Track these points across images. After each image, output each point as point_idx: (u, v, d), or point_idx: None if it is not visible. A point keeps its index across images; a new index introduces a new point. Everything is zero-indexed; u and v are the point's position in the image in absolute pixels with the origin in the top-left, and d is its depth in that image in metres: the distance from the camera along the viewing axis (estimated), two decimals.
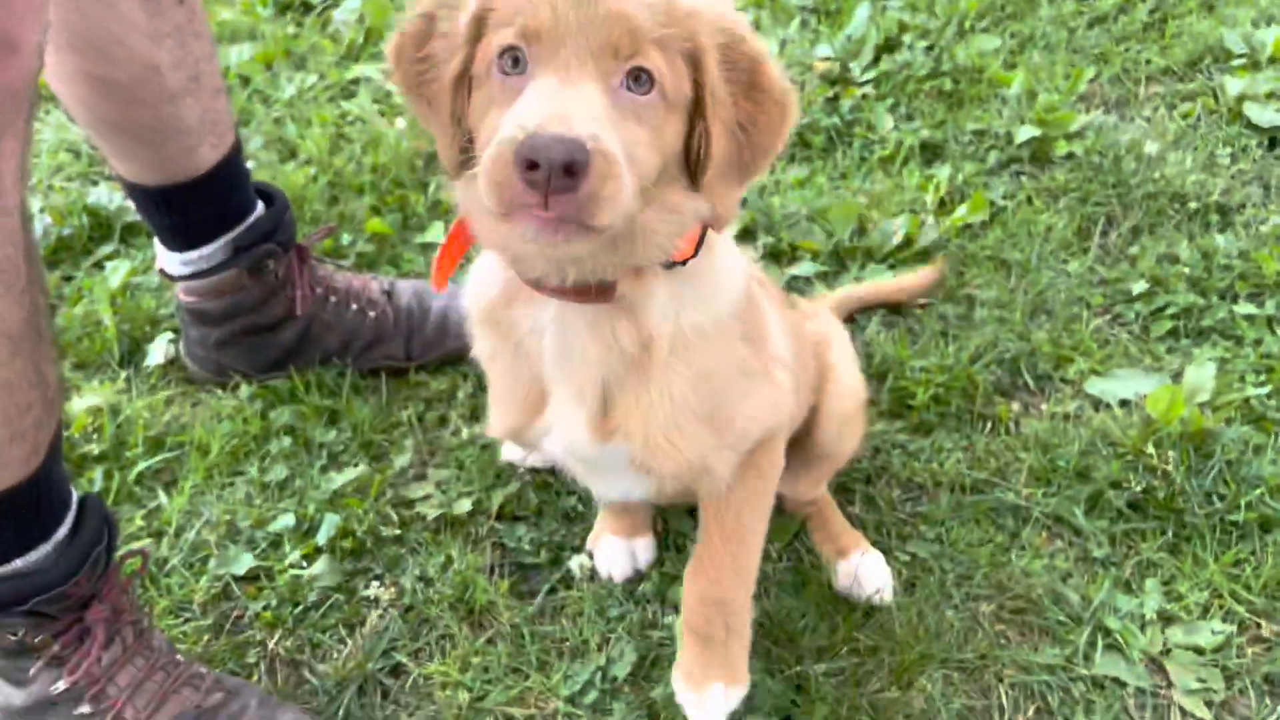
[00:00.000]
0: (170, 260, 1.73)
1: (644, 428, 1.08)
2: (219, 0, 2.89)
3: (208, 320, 1.77)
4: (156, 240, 1.74)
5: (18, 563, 1.19)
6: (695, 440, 1.10)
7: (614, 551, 1.51)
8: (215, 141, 1.63)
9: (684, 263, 1.04)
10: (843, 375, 1.47)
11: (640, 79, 0.90)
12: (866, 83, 2.43)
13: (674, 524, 1.58)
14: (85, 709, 1.26)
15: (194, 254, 1.71)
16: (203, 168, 1.62)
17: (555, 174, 0.82)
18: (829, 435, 1.44)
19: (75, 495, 1.27)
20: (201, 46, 1.56)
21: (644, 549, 1.52)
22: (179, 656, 1.35)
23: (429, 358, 1.84)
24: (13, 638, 1.21)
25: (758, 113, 0.96)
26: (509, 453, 1.66)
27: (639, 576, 1.52)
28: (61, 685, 1.24)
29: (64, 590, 1.20)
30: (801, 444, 1.44)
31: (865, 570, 1.46)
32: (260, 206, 1.75)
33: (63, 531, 1.23)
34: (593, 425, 1.10)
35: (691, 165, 0.97)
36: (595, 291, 1.01)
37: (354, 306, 1.83)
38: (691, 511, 1.55)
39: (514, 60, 0.91)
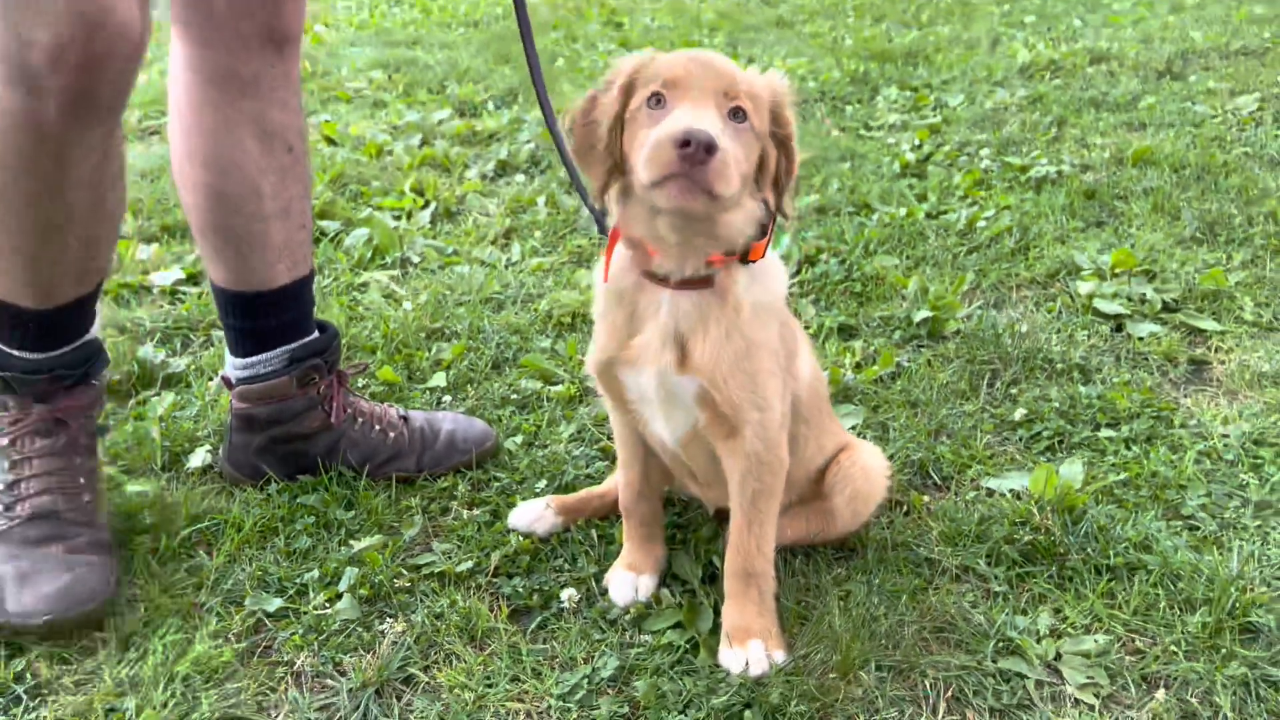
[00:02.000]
0: (233, 366, 2.09)
1: (713, 367, 1.56)
2: None
3: (253, 426, 2.08)
4: (227, 351, 2.10)
5: (15, 352, 1.82)
6: (738, 385, 1.57)
7: (623, 581, 1.81)
8: (291, 265, 2.03)
9: (755, 262, 1.57)
10: (866, 455, 1.91)
11: (738, 114, 1.44)
12: (792, 286, 2.96)
13: (675, 568, 1.87)
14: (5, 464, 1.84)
15: (254, 359, 2.06)
16: (276, 283, 2.02)
17: (699, 150, 1.33)
18: (840, 500, 1.85)
19: (93, 336, 1.91)
20: (297, 188, 2.02)
21: (645, 584, 1.81)
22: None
23: (437, 470, 2.16)
24: None
25: (790, 142, 1.54)
26: (515, 521, 1.96)
27: (625, 611, 1.78)
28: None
29: (25, 379, 1.82)
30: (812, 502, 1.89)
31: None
32: (316, 333, 2.13)
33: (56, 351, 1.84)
34: (676, 363, 1.57)
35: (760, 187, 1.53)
36: (699, 282, 1.54)
37: (376, 428, 2.15)
38: (695, 550, 1.85)
39: (657, 100, 1.44)
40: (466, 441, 2.18)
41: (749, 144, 1.46)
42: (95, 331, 1.95)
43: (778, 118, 1.51)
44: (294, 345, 2.07)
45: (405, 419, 2.20)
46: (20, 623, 1.67)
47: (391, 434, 2.16)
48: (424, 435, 2.17)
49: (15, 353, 1.83)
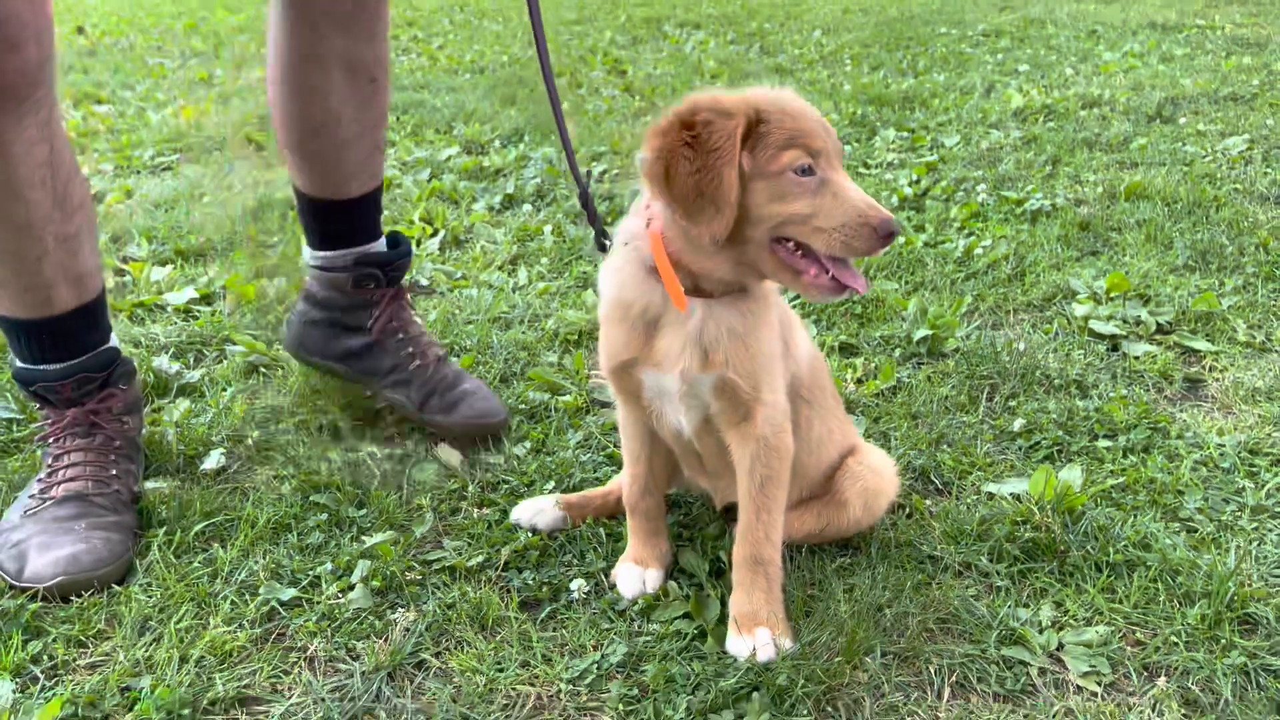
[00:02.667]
0: (308, 254, 2.36)
1: (735, 362, 1.64)
2: (253, 254, 3.47)
3: (309, 299, 2.37)
4: (304, 242, 2.39)
5: (42, 365, 1.98)
6: (754, 372, 1.66)
7: (630, 575, 1.84)
8: (361, 183, 2.26)
9: None
10: (875, 455, 1.98)
11: (807, 170, 1.55)
12: (792, 307, 3.02)
13: (682, 563, 1.90)
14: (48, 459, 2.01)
15: (321, 254, 2.34)
16: (348, 195, 2.25)
17: (892, 238, 1.53)
18: (852, 493, 1.91)
19: (109, 345, 2.06)
20: (374, 115, 2.21)
21: (652, 578, 1.84)
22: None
23: (432, 420, 2.29)
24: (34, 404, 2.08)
25: None
26: (517, 515, 1.99)
27: (634, 603, 1.80)
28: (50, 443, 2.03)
29: (53, 386, 1.98)
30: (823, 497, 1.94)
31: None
32: (384, 244, 2.36)
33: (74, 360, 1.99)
34: (700, 364, 1.63)
35: None
36: (737, 287, 1.63)
37: (409, 350, 2.35)
38: (704, 548, 1.88)
39: (805, 170, 1.53)
40: (472, 409, 2.29)
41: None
42: (114, 344, 2.09)
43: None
44: (359, 250, 2.31)
45: (440, 360, 2.37)
46: (33, 585, 1.77)
47: (416, 362, 2.33)
48: (442, 381, 2.32)
49: (38, 367, 1.98)
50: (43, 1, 1.69)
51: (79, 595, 1.78)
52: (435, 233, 3.71)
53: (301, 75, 2.12)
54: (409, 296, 2.42)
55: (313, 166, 2.23)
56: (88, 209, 1.94)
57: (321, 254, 2.34)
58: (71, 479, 1.95)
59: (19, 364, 2.01)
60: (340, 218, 2.29)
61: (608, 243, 1.78)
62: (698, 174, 1.50)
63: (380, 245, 2.36)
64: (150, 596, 1.79)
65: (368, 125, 2.21)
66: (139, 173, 4.64)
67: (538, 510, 2.01)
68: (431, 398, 2.29)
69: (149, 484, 2.08)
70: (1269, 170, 4.15)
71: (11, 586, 1.79)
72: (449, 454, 2.24)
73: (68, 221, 1.87)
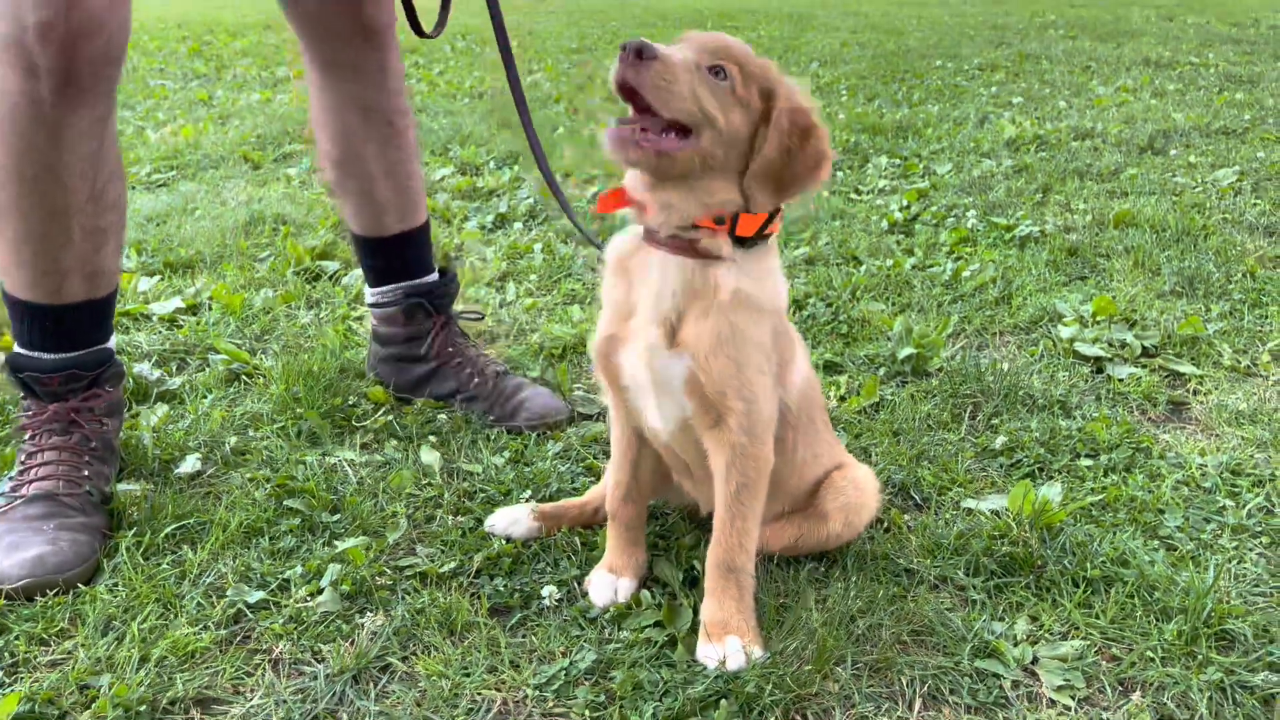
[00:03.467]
0: (368, 292, 2.56)
1: (697, 345, 1.60)
2: (242, 266, 3.48)
3: (379, 339, 2.56)
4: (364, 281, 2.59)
5: (38, 353, 1.99)
6: (724, 371, 1.61)
7: (602, 583, 1.82)
8: (399, 217, 2.45)
9: (746, 243, 1.61)
10: (859, 471, 1.95)
11: (719, 72, 1.52)
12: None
13: (656, 572, 1.88)
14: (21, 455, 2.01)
15: (378, 290, 2.53)
16: (389, 231, 2.45)
17: (630, 53, 1.44)
18: (832, 507, 1.88)
19: (105, 345, 2.07)
20: (397, 154, 2.39)
21: (625, 586, 1.82)
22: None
23: (505, 426, 2.43)
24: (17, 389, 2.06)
25: (803, 147, 1.57)
26: (492, 523, 1.97)
27: (605, 610, 1.78)
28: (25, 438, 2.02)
29: (40, 378, 1.99)
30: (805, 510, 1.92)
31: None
32: (436, 275, 2.54)
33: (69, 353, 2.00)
34: (666, 339, 1.61)
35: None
36: (687, 246, 1.58)
37: (469, 370, 2.51)
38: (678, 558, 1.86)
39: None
40: (531, 411, 2.44)
41: (724, 100, 1.52)
42: (110, 345, 2.10)
43: (767, 96, 1.56)
44: (406, 284, 2.50)
45: (500, 375, 2.52)
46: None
47: (476, 380, 2.49)
48: (503, 393, 2.47)
49: (33, 354, 1.99)
50: (123, 2, 1.80)
51: (43, 594, 1.76)
52: None
53: (325, 115, 2.36)
54: (458, 323, 2.59)
55: (349, 203, 2.45)
56: (120, 211, 2.00)
57: (375, 290, 2.53)
58: (44, 478, 1.94)
59: (16, 349, 2.02)
60: (385, 254, 2.48)
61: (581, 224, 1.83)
62: None
63: (431, 279, 2.53)
64: (115, 596, 1.77)
65: (392, 164, 2.39)
66: (134, 188, 4.65)
67: (513, 520, 1.99)
68: (495, 407, 2.44)
69: (121, 486, 2.06)
70: (1258, 201, 4.17)
71: None
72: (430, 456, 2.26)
73: (99, 217, 1.93)
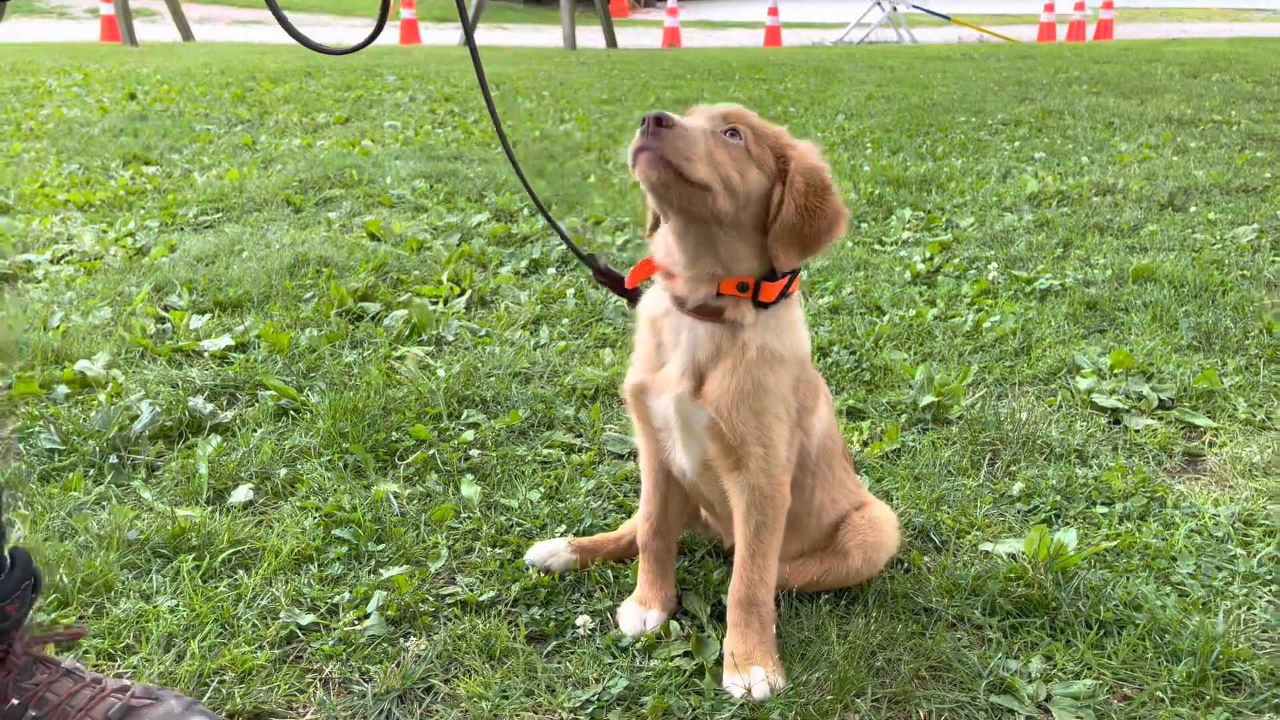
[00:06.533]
0: None
1: (721, 400, 1.71)
2: (287, 306, 3.62)
3: None
4: None
5: None
6: (745, 421, 1.72)
7: (632, 614, 1.92)
8: None
9: (769, 306, 1.71)
10: (879, 511, 2.05)
11: (734, 133, 1.64)
12: None
13: (685, 605, 1.96)
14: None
15: None
16: None
17: (650, 122, 1.55)
18: (852, 544, 1.97)
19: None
20: None
21: (653, 618, 1.92)
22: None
23: None
24: None
25: (820, 207, 1.69)
26: (531, 556, 2.08)
27: (635, 640, 1.88)
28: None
29: None
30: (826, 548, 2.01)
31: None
32: None
33: None
34: (691, 392, 1.72)
35: (766, 230, 1.68)
36: (713, 313, 1.70)
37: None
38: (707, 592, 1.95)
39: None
40: None
41: (738, 159, 1.65)
42: None
43: (780, 157, 1.68)
44: None
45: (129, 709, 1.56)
46: None
47: None
48: None
49: None
50: None
51: (108, 610, 1.87)
52: (462, 292, 3.86)
53: None
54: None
55: None
56: None
57: None
58: None
59: None
60: None
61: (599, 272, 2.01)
62: None
63: None
64: (176, 616, 1.88)
65: None
66: (182, 229, 4.84)
67: (551, 553, 2.09)
68: None
69: (181, 512, 2.18)
70: (1276, 258, 4.25)
71: None
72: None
73: None
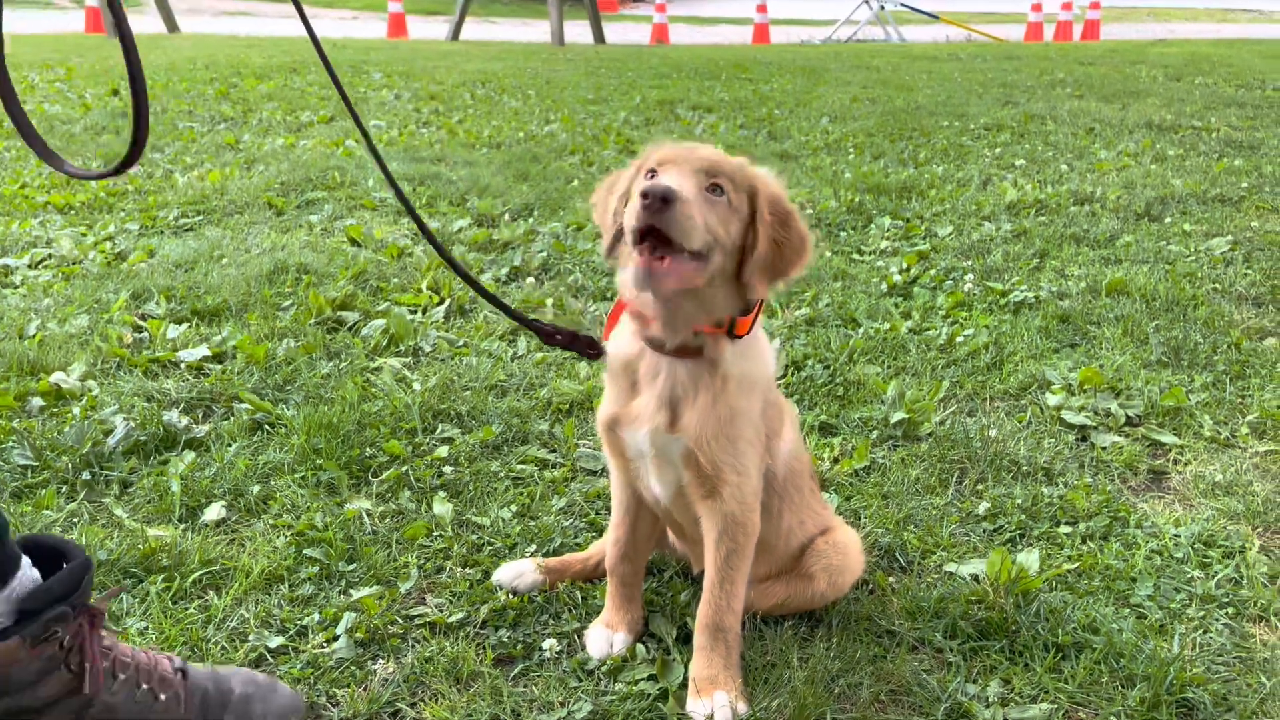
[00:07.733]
0: None
1: (699, 431, 1.74)
2: (265, 315, 3.63)
3: None
4: None
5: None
6: (720, 449, 1.75)
7: (599, 637, 1.95)
8: None
9: (741, 337, 1.75)
10: (843, 534, 2.08)
11: (716, 189, 1.66)
12: (778, 385, 3.15)
13: (651, 627, 2.00)
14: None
15: None
16: None
17: (656, 199, 1.53)
18: (817, 568, 2.00)
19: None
20: None
21: (620, 641, 1.95)
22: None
23: None
24: None
25: (788, 237, 1.72)
26: (499, 577, 2.10)
27: (601, 663, 1.90)
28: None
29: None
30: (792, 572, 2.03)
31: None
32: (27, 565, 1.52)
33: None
34: (667, 424, 1.75)
35: (740, 271, 1.70)
36: (693, 351, 1.73)
37: (143, 686, 1.62)
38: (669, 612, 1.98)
39: (651, 174, 1.67)
40: (266, 713, 1.71)
41: (725, 216, 1.66)
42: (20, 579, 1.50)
43: (753, 201, 1.71)
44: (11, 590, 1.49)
45: (183, 673, 1.69)
46: None
47: (163, 695, 1.63)
48: (207, 700, 1.68)
49: None
50: None
51: None
52: (441, 301, 3.87)
53: None
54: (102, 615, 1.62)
55: None
56: None
57: None
58: None
59: None
60: None
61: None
62: (604, 197, 1.87)
63: (43, 580, 1.54)
64: (145, 640, 1.89)
65: None
66: (162, 233, 4.83)
67: (518, 574, 2.12)
68: None
69: (152, 531, 2.20)
70: (1248, 271, 4.30)
71: None
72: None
73: None
